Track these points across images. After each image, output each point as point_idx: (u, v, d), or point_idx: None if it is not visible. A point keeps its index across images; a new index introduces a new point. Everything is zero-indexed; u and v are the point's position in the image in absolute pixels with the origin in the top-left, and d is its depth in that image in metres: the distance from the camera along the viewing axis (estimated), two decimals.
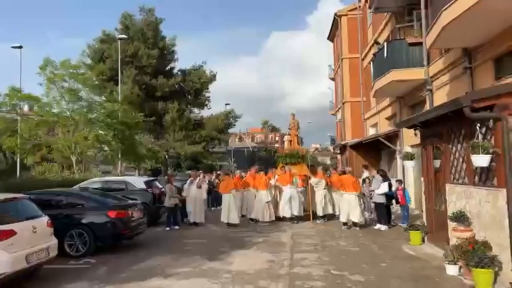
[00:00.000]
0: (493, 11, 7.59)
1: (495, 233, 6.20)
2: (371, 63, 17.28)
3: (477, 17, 7.96)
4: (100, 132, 21.64)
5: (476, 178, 6.77)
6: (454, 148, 7.58)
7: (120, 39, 27.29)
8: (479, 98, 6.10)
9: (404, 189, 12.24)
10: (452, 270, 6.67)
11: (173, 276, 6.91)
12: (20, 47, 25.02)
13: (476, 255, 6.05)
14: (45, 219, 7.00)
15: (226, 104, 44.55)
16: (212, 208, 17.60)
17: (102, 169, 31.04)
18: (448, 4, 8.28)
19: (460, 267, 6.60)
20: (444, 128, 7.81)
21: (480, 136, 6.38)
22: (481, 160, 6.12)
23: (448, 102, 7.27)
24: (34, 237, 6.52)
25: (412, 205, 13.61)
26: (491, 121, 6.20)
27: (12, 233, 6.08)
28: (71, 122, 21.30)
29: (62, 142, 21.08)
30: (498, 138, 6.07)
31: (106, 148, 23.68)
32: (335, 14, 29.71)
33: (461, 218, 6.97)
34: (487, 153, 6.07)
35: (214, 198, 18.24)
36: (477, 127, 6.34)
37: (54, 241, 7.06)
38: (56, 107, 21.27)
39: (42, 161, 26.02)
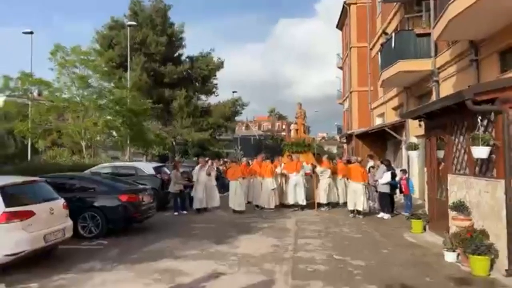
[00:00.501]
0: (499, 5, 7.67)
1: (493, 222, 6.42)
2: (379, 53, 17.32)
3: (483, 10, 8.05)
4: (109, 118, 22.02)
5: (477, 169, 6.96)
6: (456, 140, 7.75)
7: (130, 25, 27.45)
8: (481, 91, 6.26)
9: (408, 179, 12.43)
10: (450, 257, 6.92)
11: (182, 258, 7.24)
12: (31, 32, 25.28)
13: (474, 243, 6.28)
14: (61, 201, 7.34)
15: (233, 92, 44.70)
16: (220, 195, 17.91)
17: (111, 154, 31.57)
18: None
19: (458, 255, 6.83)
20: (448, 120, 7.97)
21: (482, 129, 6.53)
22: (480, 152, 6.31)
23: (452, 94, 7.43)
24: (51, 218, 6.88)
25: (415, 194, 13.83)
26: (492, 114, 6.36)
27: (31, 214, 6.43)
28: (81, 107, 21.69)
29: (72, 128, 21.51)
30: (498, 130, 6.24)
31: (114, 133, 24.11)
32: (345, 2, 29.51)
33: (461, 207, 7.19)
34: (487, 145, 6.25)
35: (221, 185, 18.56)
36: (479, 120, 6.50)
37: (69, 222, 7.42)
38: (66, 92, 21.68)
39: (52, 146, 26.56)
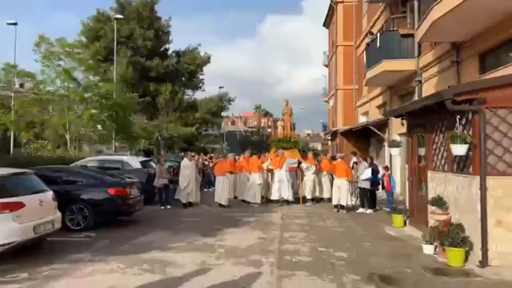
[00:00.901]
0: (479, 9, 8.01)
1: (468, 216, 6.76)
2: (365, 52, 17.66)
3: (464, 14, 8.38)
4: (94, 111, 21.85)
5: (455, 166, 7.29)
6: (436, 138, 8.08)
7: (117, 19, 27.20)
8: (460, 92, 6.57)
9: (390, 176, 12.81)
10: (428, 249, 7.25)
11: (170, 250, 7.40)
12: (15, 23, 24.87)
13: (450, 236, 6.61)
14: (50, 193, 7.41)
15: (220, 87, 44.88)
16: (205, 190, 18.08)
17: (95, 148, 31.27)
18: (439, 0, 8.68)
19: (436, 247, 7.17)
20: (429, 119, 8.29)
21: (460, 127, 6.86)
22: (458, 149, 6.63)
23: (432, 94, 7.75)
24: (41, 209, 6.94)
25: (397, 190, 14.24)
26: (470, 113, 6.69)
27: (21, 205, 6.49)
28: (66, 100, 21.46)
29: (56, 120, 21.29)
30: (475, 129, 6.56)
31: (99, 127, 23.94)
32: (332, 1, 29.83)
33: (439, 202, 7.52)
34: (465, 143, 6.57)
35: (207, 180, 18.69)
36: (457, 119, 6.82)
37: (58, 214, 7.49)
38: (51, 85, 21.42)
39: (35, 139, 26.19)
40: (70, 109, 21.76)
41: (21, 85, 26.35)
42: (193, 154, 18.30)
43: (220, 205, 13.40)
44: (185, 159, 14.38)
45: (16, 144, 25.78)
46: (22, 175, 7.21)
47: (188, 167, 13.73)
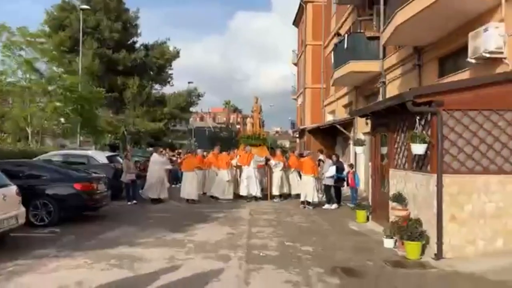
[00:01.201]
0: (438, 16, 8.48)
1: (426, 212, 7.17)
2: (332, 52, 18.10)
3: (425, 20, 8.84)
4: (58, 104, 21.16)
5: (414, 165, 7.71)
6: (398, 137, 8.48)
7: (83, 9, 26.32)
8: (420, 94, 6.96)
9: (354, 173, 13.27)
10: (388, 243, 7.63)
11: (139, 245, 7.40)
12: None
13: (408, 230, 7.01)
14: (13, 188, 7.22)
15: (189, 82, 44.51)
16: (172, 186, 17.96)
17: (58, 142, 30.29)
18: (402, 6, 9.10)
19: (396, 241, 7.56)
20: (391, 119, 8.68)
21: (420, 128, 7.26)
22: (418, 149, 7.02)
23: (395, 96, 8.14)
24: (4, 204, 6.76)
25: (361, 187, 14.76)
26: (429, 115, 7.09)
27: None
28: (27, 92, 20.68)
29: (17, 113, 20.49)
30: (433, 130, 6.97)
31: (63, 120, 23.20)
32: (301, 0, 30.25)
33: (399, 198, 7.92)
34: (424, 142, 6.97)
35: (174, 176, 18.56)
36: (417, 120, 7.21)
37: (22, 209, 7.32)
38: (12, 76, 20.55)
39: None
40: (32, 101, 20.98)
41: None
42: (161, 150, 18.16)
43: (188, 201, 13.42)
44: (154, 154, 14.26)
45: None
46: None
47: (157, 163, 13.63)
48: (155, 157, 13.93)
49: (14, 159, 12.58)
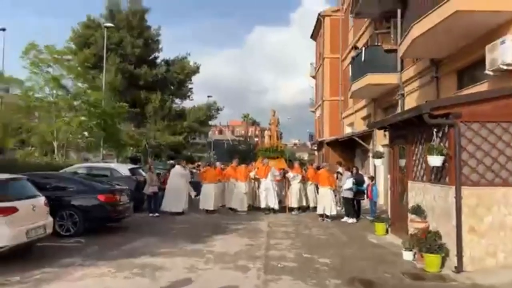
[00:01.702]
0: (455, 29, 8.53)
1: (445, 224, 7.13)
2: (350, 65, 18.21)
3: (443, 33, 8.89)
4: (83, 118, 21.88)
5: (432, 176, 7.69)
6: (416, 149, 8.49)
7: (107, 27, 27.33)
8: (437, 106, 7.00)
9: (373, 186, 13.21)
10: (407, 255, 7.60)
11: (160, 255, 7.60)
12: (3, 29, 24.84)
13: (427, 242, 6.98)
14: (42, 199, 7.56)
15: (208, 96, 45.12)
16: (194, 198, 18.17)
17: (82, 155, 31.11)
18: (418, 20, 9.19)
19: (415, 253, 7.53)
20: (409, 131, 8.71)
21: (437, 140, 7.28)
22: (435, 161, 7.03)
23: (412, 108, 8.18)
24: (33, 214, 7.09)
25: (380, 200, 14.66)
26: (446, 127, 7.11)
27: (14, 210, 6.64)
28: (54, 107, 21.48)
29: (44, 127, 21.26)
30: (451, 142, 6.98)
31: (87, 134, 23.91)
32: (319, 14, 30.58)
33: (418, 211, 7.89)
34: (441, 154, 6.98)
35: (194, 188, 18.73)
36: (434, 132, 7.24)
37: (50, 219, 7.64)
38: (39, 92, 21.41)
39: (22, 145, 26.01)
40: (58, 116, 21.75)
41: (7, 90, 26.16)
42: (183, 161, 18.45)
43: (208, 212, 13.62)
44: (177, 166, 14.58)
45: (0, 150, 25.54)
46: (15, 181, 7.37)
47: (179, 175, 13.93)
48: (177, 169, 14.23)
49: (41, 171, 13.08)
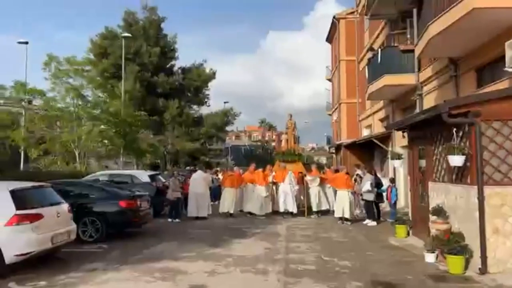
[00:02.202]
0: (473, 27, 8.41)
1: (467, 225, 7.00)
2: (367, 66, 18.09)
3: (460, 31, 8.78)
4: (104, 127, 22.36)
5: (453, 177, 7.56)
6: (436, 149, 8.37)
7: (124, 37, 27.90)
8: (455, 105, 6.91)
9: (392, 188, 13.04)
10: (430, 257, 7.48)
11: (181, 259, 7.69)
12: (26, 42, 25.55)
13: (450, 244, 6.86)
14: (66, 205, 7.77)
15: (225, 102, 45.51)
16: (211, 203, 18.32)
17: (102, 163, 31.69)
18: (435, 19, 9.09)
19: (437, 255, 7.41)
20: (428, 131, 8.60)
21: (457, 139, 7.16)
22: (456, 160, 6.92)
23: (430, 108, 8.07)
24: (58, 221, 7.29)
25: (400, 202, 14.44)
26: (466, 126, 7.00)
27: (40, 216, 6.84)
28: (75, 117, 22.02)
29: (67, 137, 21.79)
30: (472, 141, 6.86)
31: (107, 142, 24.40)
32: (334, 17, 30.50)
33: (439, 212, 7.76)
34: (462, 154, 6.86)
35: (214, 193, 18.94)
36: (454, 131, 7.13)
37: (73, 225, 7.84)
38: (61, 102, 21.98)
39: (45, 154, 26.71)
40: (79, 125, 22.28)
41: (29, 102, 26.95)
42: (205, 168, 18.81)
43: (228, 215, 13.85)
44: (199, 171, 15.11)
45: (26, 159, 26.27)
46: (40, 188, 7.60)
47: (201, 180, 14.31)
48: (198, 174, 14.66)
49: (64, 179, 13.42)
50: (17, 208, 6.63)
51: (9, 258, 6.45)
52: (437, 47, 10.03)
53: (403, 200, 14.94)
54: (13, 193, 6.77)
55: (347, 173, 13.47)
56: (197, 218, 13.66)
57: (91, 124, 21.98)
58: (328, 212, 14.43)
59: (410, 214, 10.30)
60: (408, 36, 15.39)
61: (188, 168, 23.84)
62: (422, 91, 13.75)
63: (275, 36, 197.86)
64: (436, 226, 7.74)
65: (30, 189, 7.32)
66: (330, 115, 37.78)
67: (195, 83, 38.92)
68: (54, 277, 6.52)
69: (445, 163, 7.84)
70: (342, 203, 12.60)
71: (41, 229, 6.83)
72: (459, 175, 7.40)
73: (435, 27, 9.13)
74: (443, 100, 10.05)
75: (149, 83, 35.70)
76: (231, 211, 14.03)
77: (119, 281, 6.35)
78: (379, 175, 14.80)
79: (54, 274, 6.63)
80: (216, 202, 17.64)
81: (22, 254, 6.56)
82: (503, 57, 8.21)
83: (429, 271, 6.83)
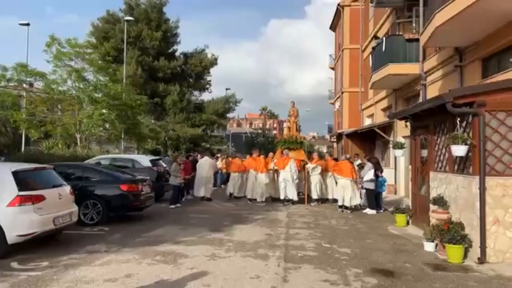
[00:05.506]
0: (481, 16, 8.30)
1: (468, 215, 7.02)
2: (370, 55, 17.93)
3: (466, 20, 8.66)
4: (104, 111, 22.26)
5: (455, 167, 7.56)
6: (438, 139, 8.35)
7: (127, 21, 27.66)
8: (460, 95, 6.86)
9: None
10: (429, 246, 7.53)
11: (182, 243, 7.75)
12: (28, 24, 25.35)
13: (450, 233, 6.89)
14: (68, 187, 7.80)
15: (226, 89, 45.30)
16: (215, 188, 18.46)
17: (103, 147, 31.72)
18: (441, 7, 8.97)
19: (436, 244, 7.45)
20: (431, 121, 8.57)
21: (461, 129, 7.14)
22: (459, 150, 6.91)
23: (434, 97, 8.03)
24: (60, 203, 7.32)
25: (401, 192, 14.50)
26: (470, 116, 6.97)
27: (42, 198, 6.87)
28: (77, 100, 21.94)
29: (68, 120, 21.75)
30: (475, 131, 6.84)
31: (108, 126, 24.35)
32: (338, 4, 30.14)
33: (440, 201, 7.79)
34: (465, 144, 6.85)
35: (220, 179, 20.04)
36: (458, 121, 7.10)
37: (75, 208, 7.88)
38: (62, 85, 21.87)
39: (45, 137, 26.73)
40: (80, 109, 22.21)
41: (31, 85, 26.81)
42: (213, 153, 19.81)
43: (232, 197, 15.15)
44: (206, 157, 16.18)
45: (27, 142, 26.30)
46: (42, 170, 7.61)
47: (208, 164, 15.34)
48: (206, 159, 15.61)
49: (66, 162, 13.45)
50: (20, 189, 6.65)
51: (11, 238, 6.50)
52: (442, 36, 9.92)
53: (403, 190, 14.99)
54: (16, 174, 6.78)
55: (350, 161, 13.44)
56: (202, 198, 14.68)
57: (92, 108, 21.89)
58: (327, 200, 14.50)
59: (410, 203, 10.34)
60: (414, 24, 15.22)
61: (187, 154, 23.85)
62: (426, 81, 13.65)
63: (278, 24, 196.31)
64: (436, 216, 7.78)
65: (32, 170, 7.33)
66: (332, 104, 37.63)
67: (196, 69, 38.66)
68: (56, 258, 6.57)
69: (447, 153, 7.83)
70: (344, 191, 12.63)
71: (43, 210, 6.86)
72: (461, 165, 7.40)
73: (442, 16, 9.01)
74: (447, 90, 10.00)
75: (151, 67, 35.46)
76: (235, 194, 15.21)
77: (120, 263, 6.40)
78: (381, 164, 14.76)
79: (55, 255, 6.69)
80: (223, 186, 18.42)
81: (24, 235, 6.60)
82: (509, 48, 8.13)
83: (428, 260, 6.87)
